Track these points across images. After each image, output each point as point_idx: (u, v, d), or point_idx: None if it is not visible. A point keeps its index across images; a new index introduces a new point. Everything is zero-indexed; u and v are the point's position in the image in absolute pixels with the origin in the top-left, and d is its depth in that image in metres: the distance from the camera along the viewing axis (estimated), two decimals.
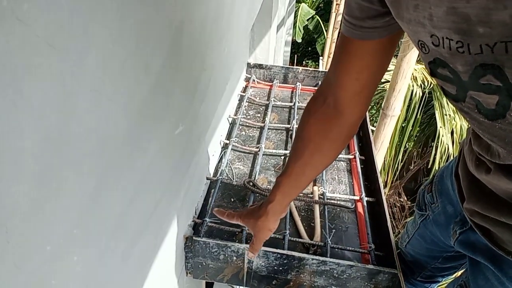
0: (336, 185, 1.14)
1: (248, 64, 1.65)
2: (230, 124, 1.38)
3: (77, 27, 0.31)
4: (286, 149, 1.26)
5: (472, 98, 0.41)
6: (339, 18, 5.19)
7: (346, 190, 1.12)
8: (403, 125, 4.26)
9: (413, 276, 0.98)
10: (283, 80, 1.66)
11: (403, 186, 5.64)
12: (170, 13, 0.52)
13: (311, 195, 1.08)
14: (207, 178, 1.08)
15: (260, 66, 1.66)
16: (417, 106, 4.04)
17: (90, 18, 0.32)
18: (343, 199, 1.08)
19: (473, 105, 0.41)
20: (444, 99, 3.89)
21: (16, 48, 0.24)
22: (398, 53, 2.02)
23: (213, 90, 0.91)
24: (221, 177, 1.10)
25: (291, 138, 1.32)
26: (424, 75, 4.02)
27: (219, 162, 1.18)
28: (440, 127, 3.90)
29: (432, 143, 4.17)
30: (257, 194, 1.06)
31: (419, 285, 1.00)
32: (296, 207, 1.03)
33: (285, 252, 0.83)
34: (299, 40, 8.60)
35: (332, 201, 1.06)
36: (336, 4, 5.33)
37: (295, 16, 7.38)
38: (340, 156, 1.23)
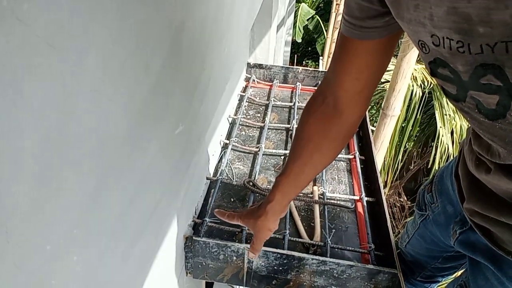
0: (336, 185, 1.14)
1: (248, 64, 1.65)
2: (230, 124, 1.38)
3: (77, 27, 0.31)
4: (286, 149, 1.26)
5: (472, 98, 0.41)
6: (339, 18, 5.19)
7: (346, 190, 1.12)
8: (403, 125, 4.26)
9: (413, 276, 0.99)
10: (283, 80, 1.66)
11: (403, 186, 5.64)
12: (170, 13, 0.52)
13: (311, 195, 1.08)
14: (207, 178, 1.08)
15: (260, 66, 1.66)
16: (417, 106, 4.04)
17: (90, 18, 0.32)
18: (343, 199, 1.08)
19: (473, 105, 0.41)
20: (444, 99, 3.89)
21: (16, 48, 0.24)
22: (398, 53, 2.02)
23: (213, 90, 0.91)
24: (221, 177, 1.10)
25: (291, 138, 1.32)
26: (424, 75, 4.02)
27: (219, 162, 1.18)
28: (440, 127, 3.90)
29: (432, 143, 4.17)
30: (257, 194, 1.06)
31: (419, 285, 1.00)
32: (296, 207, 1.03)
33: (285, 252, 0.83)
34: (299, 40, 8.60)
35: (332, 201, 1.06)
36: (336, 4, 5.34)
37: (295, 16, 7.38)
38: (340, 156, 1.23)
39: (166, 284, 0.79)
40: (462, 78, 0.40)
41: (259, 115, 1.44)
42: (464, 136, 0.77)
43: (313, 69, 1.68)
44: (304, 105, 0.68)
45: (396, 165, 4.47)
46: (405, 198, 5.71)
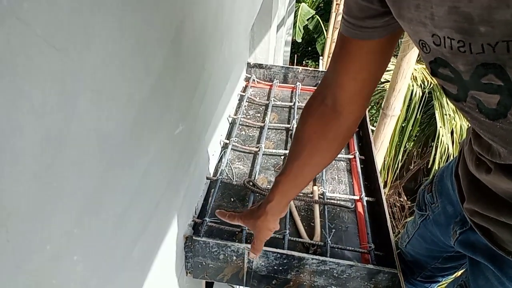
0: (336, 185, 1.14)
1: (248, 64, 1.65)
2: (230, 124, 1.38)
3: (77, 27, 0.31)
4: (286, 149, 1.26)
5: (473, 98, 0.41)
6: (339, 18, 5.18)
7: (346, 190, 1.12)
8: (403, 125, 4.26)
9: (413, 276, 0.99)
10: (283, 80, 1.66)
11: (403, 186, 5.64)
12: (170, 13, 0.52)
13: (311, 195, 1.08)
14: (207, 178, 1.08)
15: (260, 66, 1.66)
16: (417, 106, 4.04)
17: (90, 18, 0.32)
18: (343, 199, 1.08)
19: (474, 105, 0.41)
20: (444, 98, 3.89)
21: (16, 48, 0.24)
22: (398, 53, 2.02)
23: (213, 90, 0.91)
24: (221, 177, 1.10)
25: (291, 138, 1.32)
26: (424, 75, 4.02)
27: (219, 161, 1.18)
28: (440, 127, 3.90)
29: (432, 143, 4.17)
30: (257, 194, 1.06)
31: (419, 285, 1.00)
32: (296, 207, 1.03)
33: (285, 252, 0.83)
34: (299, 40, 8.60)
35: (332, 201, 1.06)
36: (336, 4, 5.33)
37: (295, 16, 7.38)
38: (340, 156, 1.23)
39: (166, 284, 0.79)
40: (463, 77, 0.40)
41: (259, 115, 1.44)
42: (464, 136, 0.78)
43: (313, 69, 1.68)
44: (304, 105, 0.68)
45: (396, 165, 4.47)
46: (405, 198, 5.72)
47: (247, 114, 1.45)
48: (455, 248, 0.72)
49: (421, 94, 3.99)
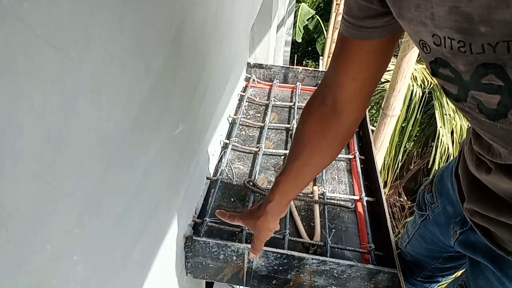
0: (336, 185, 1.14)
1: (248, 64, 1.65)
2: (230, 124, 1.38)
3: (77, 27, 0.31)
4: (286, 149, 1.26)
5: (473, 98, 0.41)
6: (339, 18, 5.18)
7: (346, 190, 1.12)
8: (403, 125, 4.26)
9: (413, 276, 0.99)
10: (283, 80, 1.66)
11: (403, 186, 5.64)
12: (170, 13, 0.52)
13: (311, 195, 1.08)
14: (207, 178, 1.08)
15: (260, 66, 1.66)
16: (417, 106, 4.04)
17: (90, 18, 0.32)
18: (343, 199, 1.08)
19: (474, 105, 0.41)
20: (444, 98, 3.89)
21: (16, 48, 0.24)
22: (398, 53, 2.02)
23: (213, 90, 0.91)
24: (221, 176, 1.10)
25: (291, 138, 1.32)
26: (424, 75, 4.02)
27: (219, 161, 1.18)
28: (440, 127, 3.90)
29: (432, 143, 4.17)
30: (257, 194, 1.06)
31: (419, 285, 1.00)
32: (296, 207, 1.03)
33: (285, 251, 0.83)
34: (299, 40, 8.60)
35: (332, 201, 1.06)
36: (336, 4, 5.33)
37: (295, 16, 7.38)
38: (340, 156, 1.23)
39: (166, 284, 0.79)
40: (463, 78, 0.40)
41: (259, 115, 1.44)
42: (464, 136, 0.78)
43: (313, 69, 1.68)
44: (304, 105, 0.68)
45: (396, 165, 4.47)
46: (405, 198, 5.72)
47: (247, 114, 1.45)
48: (455, 248, 0.72)
49: (421, 94, 3.99)
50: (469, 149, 0.58)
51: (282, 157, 1.23)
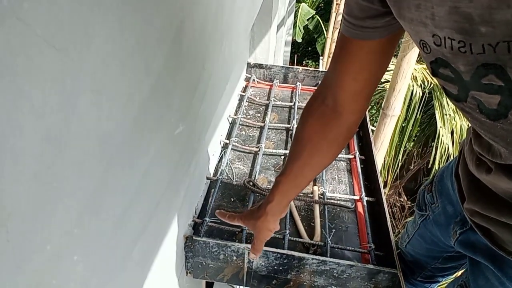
0: (336, 185, 1.14)
1: (248, 64, 1.65)
2: (230, 124, 1.38)
3: (77, 27, 0.31)
4: (286, 149, 1.26)
5: (473, 98, 0.41)
6: (339, 18, 5.18)
7: (346, 190, 1.12)
8: (403, 125, 4.26)
9: (413, 276, 0.98)
10: (283, 80, 1.66)
11: (403, 186, 5.64)
12: (170, 13, 0.52)
13: (311, 195, 1.08)
14: (207, 178, 1.08)
15: (260, 66, 1.66)
16: (417, 106, 4.04)
17: (90, 18, 0.32)
18: (343, 199, 1.08)
19: (474, 105, 0.41)
20: (444, 98, 3.89)
21: (16, 48, 0.24)
22: (398, 53, 2.02)
23: (213, 90, 0.91)
24: (221, 176, 1.10)
25: (291, 138, 1.32)
26: (424, 75, 4.02)
27: (219, 161, 1.18)
28: (440, 127, 3.90)
29: (432, 143, 4.17)
30: (257, 194, 1.06)
31: (419, 285, 1.00)
32: (296, 207, 1.03)
33: (285, 252, 0.83)
34: (299, 40, 8.60)
35: (332, 201, 1.06)
36: (336, 4, 5.33)
37: (295, 16, 7.38)
38: (340, 156, 1.23)
39: (166, 284, 0.79)
40: (463, 78, 0.40)
41: (259, 115, 1.44)
42: (464, 136, 0.78)
43: (313, 69, 1.68)
44: (304, 105, 0.68)
45: (396, 165, 4.47)
46: (405, 198, 5.71)
47: (247, 114, 1.45)
48: (455, 248, 0.72)
49: (421, 94, 3.99)
50: (469, 149, 0.58)
51: (282, 157, 1.23)
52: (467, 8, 0.34)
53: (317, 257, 0.82)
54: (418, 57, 2.02)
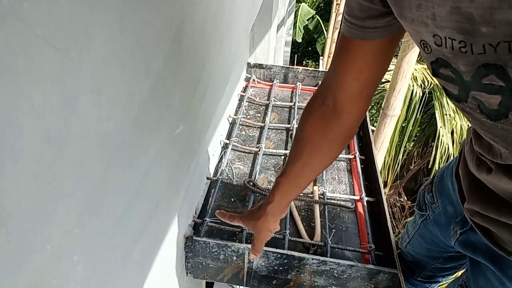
0: (336, 185, 1.13)
1: (248, 64, 1.65)
2: (230, 124, 1.38)
3: (77, 27, 0.31)
4: (286, 149, 1.26)
5: (474, 98, 0.41)
6: (339, 18, 5.18)
7: (346, 190, 1.12)
8: (403, 125, 4.26)
9: (413, 276, 0.98)
10: (283, 80, 1.66)
11: (403, 186, 5.64)
12: (170, 13, 0.52)
13: (311, 195, 1.08)
14: (207, 178, 1.08)
15: (260, 66, 1.66)
16: (417, 106, 4.04)
17: (90, 18, 0.32)
18: (343, 199, 1.08)
19: (475, 105, 0.41)
20: (444, 99, 3.89)
21: (16, 48, 0.24)
22: (398, 53, 2.02)
23: (213, 90, 0.91)
24: (221, 177, 1.10)
25: (291, 138, 1.32)
26: (424, 75, 4.02)
27: (219, 162, 1.18)
28: (440, 127, 3.90)
29: (432, 143, 4.17)
30: (257, 194, 1.06)
31: (419, 285, 1.00)
32: (296, 207, 1.03)
33: (285, 252, 0.83)
34: (299, 40, 8.60)
35: (332, 201, 1.06)
36: (337, 4, 5.33)
37: (295, 16, 7.38)
38: (340, 156, 1.23)
39: (166, 284, 0.79)
40: (464, 78, 0.40)
41: (259, 115, 1.44)
42: (465, 136, 0.78)
43: (313, 69, 1.68)
44: (304, 105, 0.68)
45: (396, 165, 4.47)
46: (405, 198, 5.71)
47: (247, 114, 1.45)
48: (455, 248, 0.72)
49: (421, 94, 3.99)
50: (469, 149, 0.58)
51: (282, 157, 1.23)
52: (468, 8, 0.34)
53: (317, 257, 0.82)
54: (418, 57, 2.02)
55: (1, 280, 0.27)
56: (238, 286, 1.17)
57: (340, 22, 5.13)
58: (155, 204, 0.61)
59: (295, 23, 7.64)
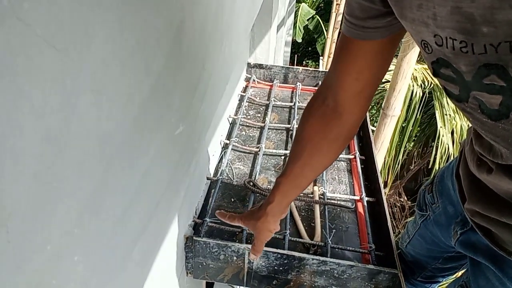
0: (337, 185, 1.13)
1: (248, 64, 1.65)
2: (230, 124, 1.38)
3: (77, 27, 0.30)
4: (286, 149, 1.26)
5: (475, 98, 0.41)
6: (339, 18, 5.18)
7: (347, 190, 1.12)
8: (403, 125, 4.26)
9: (413, 276, 0.98)
10: (283, 80, 1.66)
11: (403, 186, 5.64)
12: (170, 13, 0.52)
13: (311, 195, 1.07)
14: (207, 178, 1.08)
15: (260, 66, 1.66)
16: (417, 106, 4.04)
17: (90, 18, 0.32)
18: (343, 199, 1.08)
19: (476, 105, 0.41)
20: (445, 99, 3.89)
21: (16, 48, 0.24)
22: (398, 53, 2.02)
23: (213, 90, 0.91)
24: (221, 177, 1.10)
25: (291, 138, 1.32)
26: (424, 75, 4.02)
27: (219, 162, 1.18)
28: (441, 127, 3.90)
29: (433, 143, 4.17)
30: (257, 194, 1.06)
31: (419, 285, 1.00)
32: (296, 207, 1.03)
33: (285, 252, 0.83)
34: (299, 40, 8.60)
35: (333, 201, 1.06)
36: (336, 4, 5.33)
37: (295, 16, 7.38)
38: (340, 156, 1.23)
39: (166, 284, 0.79)
40: (465, 78, 0.40)
41: (259, 115, 1.44)
42: (465, 136, 0.78)
43: (313, 69, 1.68)
44: (304, 105, 0.68)
45: (397, 165, 4.47)
46: (406, 198, 5.71)
47: (247, 114, 1.45)
48: (455, 248, 0.71)
49: (421, 94, 3.99)
50: (470, 149, 0.58)
51: (283, 157, 1.23)
52: (469, 8, 0.34)
53: (317, 257, 0.82)
54: (418, 57, 2.02)
55: (1, 280, 0.27)
56: (238, 286, 1.17)
57: (340, 22, 5.13)
58: (155, 204, 0.61)
59: (295, 23, 7.64)
